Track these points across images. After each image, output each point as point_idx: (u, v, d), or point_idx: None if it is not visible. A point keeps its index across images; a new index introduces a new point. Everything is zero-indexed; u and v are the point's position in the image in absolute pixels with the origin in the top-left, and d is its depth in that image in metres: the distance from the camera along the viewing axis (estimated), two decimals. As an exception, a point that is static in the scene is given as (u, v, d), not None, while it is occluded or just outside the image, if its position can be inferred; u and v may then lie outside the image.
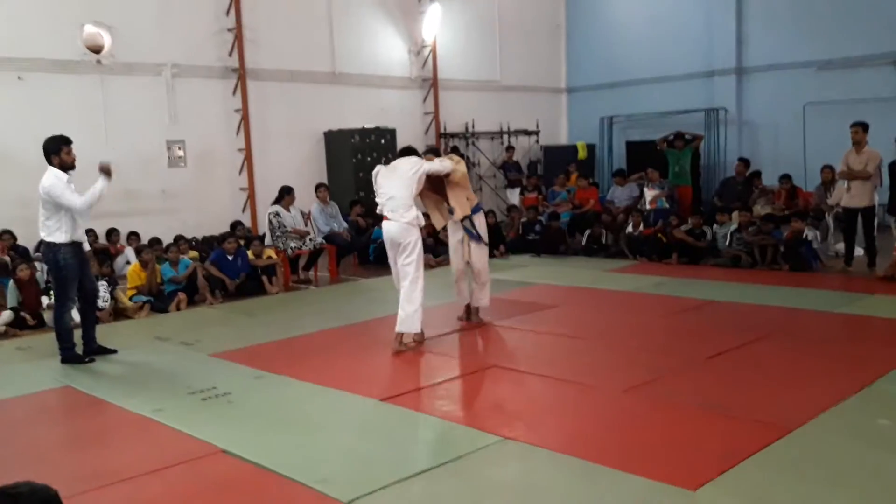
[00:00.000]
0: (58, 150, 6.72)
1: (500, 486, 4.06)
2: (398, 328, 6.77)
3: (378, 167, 7.14)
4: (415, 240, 6.73)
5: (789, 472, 4.00)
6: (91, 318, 7.19)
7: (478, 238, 7.44)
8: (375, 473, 4.17)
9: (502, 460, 4.36)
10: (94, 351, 7.10)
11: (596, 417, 5.07)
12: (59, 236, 6.72)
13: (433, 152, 7.68)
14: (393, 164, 7.07)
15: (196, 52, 12.30)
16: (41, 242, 6.98)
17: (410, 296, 6.72)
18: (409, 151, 7.24)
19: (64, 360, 6.92)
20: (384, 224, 6.88)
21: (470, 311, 7.81)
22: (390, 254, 6.96)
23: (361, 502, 3.84)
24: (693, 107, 15.77)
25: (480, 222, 7.55)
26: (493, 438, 4.61)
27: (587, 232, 12.70)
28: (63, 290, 6.90)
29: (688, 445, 4.42)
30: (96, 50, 11.35)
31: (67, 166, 6.74)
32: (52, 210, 6.68)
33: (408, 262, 6.75)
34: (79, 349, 7.04)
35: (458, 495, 4.00)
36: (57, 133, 6.81)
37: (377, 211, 7.01)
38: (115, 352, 7.19)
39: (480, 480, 4.12)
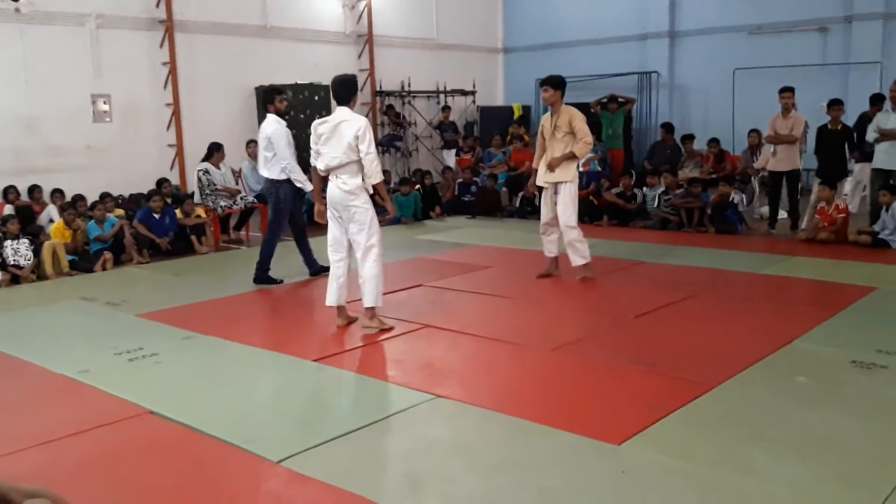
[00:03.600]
0: (272, 100, 7.75)
1: (432, 443, 4.10)
2: (367, 303, 6.03)
3: (318, 121, 6.05)
4: (361, 205, 5.92)
5: (711, 427, 4.13)
6: (306, 243, 8.14)
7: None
8: (306, 433, 4.16)
9: (434, 418, 4.40)
10: (318, 270, 8.00)
11: (526, 375, 5.15)
12: (280, 173, 7.64)
13: (553, 83, 8.03)
14: (335, 119, 5.93)
15: (121, 2, 11.79)
16: (266, 181, 7.91)
17: (366, 267, 5.98)
18: (347, 95, 6.00)
19: (257, 280, 7.81)
20: (328, 187, 6.05)
21: (553, 266, 7.93)
22: (331, 219, 6.10)
23: (292, 461, 3.82)
24: (626, 70, 15.88)
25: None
26: (425, 397, 4.64)
27: (521, 194, 12.77)
28: (278, 221, 7.87)
29: (614, 401, 4.53)
30: (14, -3, 10.81)
31: (282, 113, 7.77)
32: (272, 151, 7.62)
33: (355, 230, 5.96)
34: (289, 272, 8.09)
35: (389, 453, 4.03)
36: None
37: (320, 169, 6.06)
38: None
39: (412, 438, 4.15)
